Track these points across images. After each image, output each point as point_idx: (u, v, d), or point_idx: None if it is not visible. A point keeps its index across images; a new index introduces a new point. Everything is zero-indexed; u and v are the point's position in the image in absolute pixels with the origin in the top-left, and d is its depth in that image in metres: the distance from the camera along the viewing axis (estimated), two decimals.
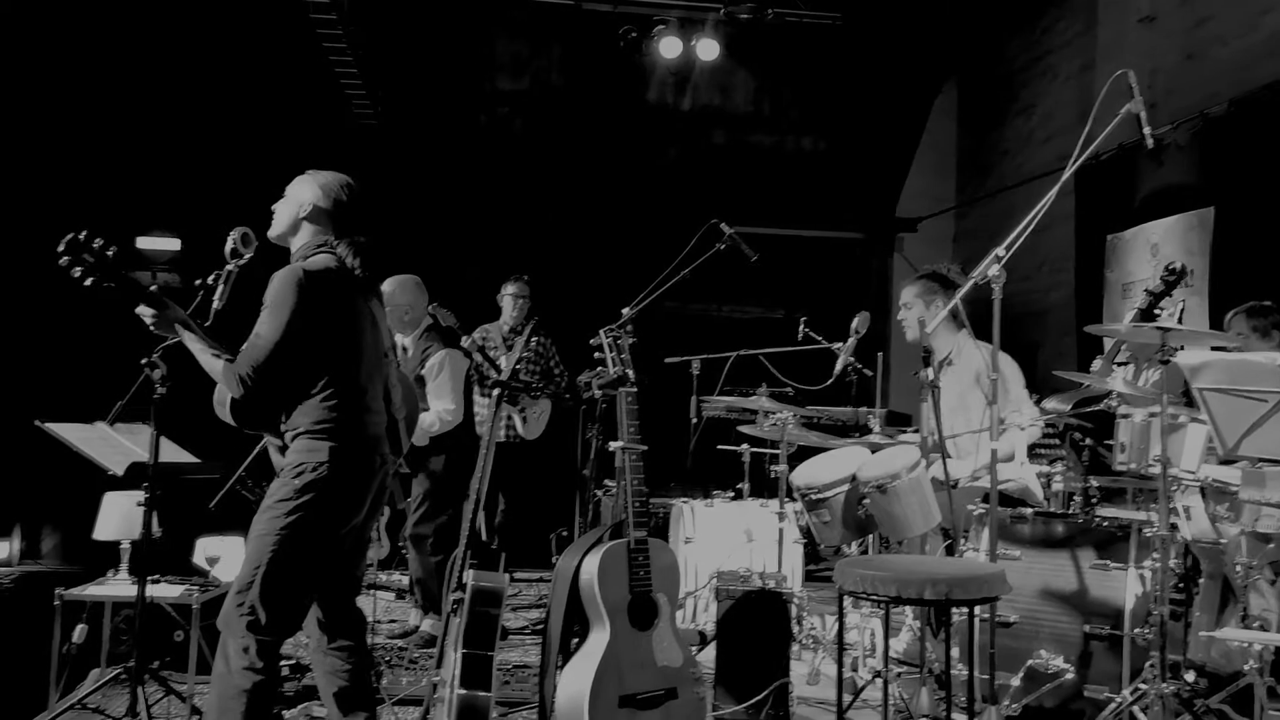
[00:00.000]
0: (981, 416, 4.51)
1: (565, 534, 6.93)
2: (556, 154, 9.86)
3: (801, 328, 5.57)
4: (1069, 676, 3.87)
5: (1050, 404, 4.80)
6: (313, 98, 8.81)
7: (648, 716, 3.19)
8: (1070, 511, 4.27)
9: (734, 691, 3.98)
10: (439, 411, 5.10)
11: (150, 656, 4.43)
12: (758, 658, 4.00)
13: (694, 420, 5.51)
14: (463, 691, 3.03)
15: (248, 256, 3.59)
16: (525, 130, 10.14)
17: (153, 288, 3.15)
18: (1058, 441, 5.55)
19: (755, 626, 4.02)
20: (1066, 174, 3.86)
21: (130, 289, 3.10)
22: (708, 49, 9.32)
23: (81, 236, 3.02)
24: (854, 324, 5.04)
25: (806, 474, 3.66)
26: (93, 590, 4.24)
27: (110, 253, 3.06)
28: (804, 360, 5.72)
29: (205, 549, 5.04)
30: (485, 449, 3.27)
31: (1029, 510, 4.19)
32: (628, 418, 3.28)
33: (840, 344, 5.17)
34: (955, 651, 3.98)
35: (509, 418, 6.67)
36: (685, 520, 5.22)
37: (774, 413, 4.70)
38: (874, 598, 2.94)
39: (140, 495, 4.53)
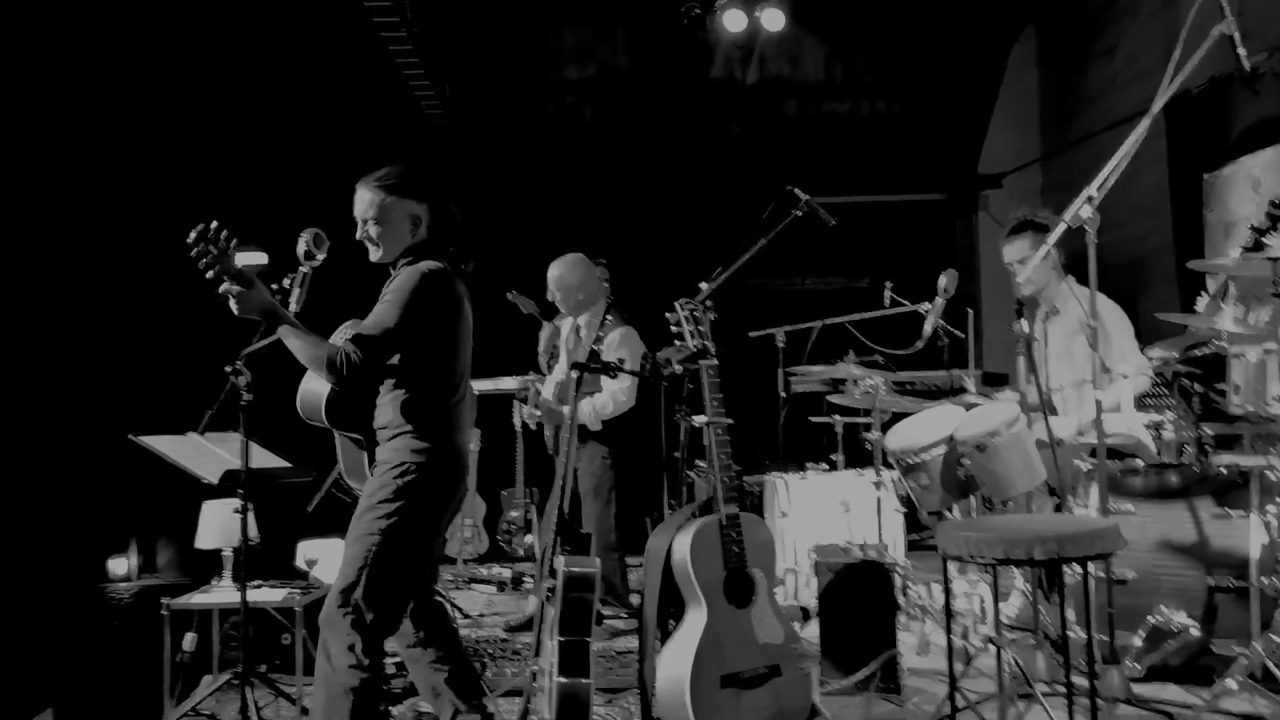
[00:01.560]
0: (1085, 366, 4.34)
1: (658, 517, 6.85)
2: (627, 139, 9.77)
3: (887, 292, 5.42)
4: (1194, 632, 3.70)
5: (1155, 351, 4.60)
6: (380, 98, 8.86)
7: (752, 695, 3.11)
8: (1184, 461, 4.07)
9: (841, 665, 3.89)
10: (613, 391, 4.99)
11: (258, 660, 4.50)
12: (863, 630, 3.90)
13: (782, 394, 5.39)
14: (563, 679, 2.98)
15: (321, 258, 3.58)
16: (594, 118, 10.09)
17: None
18: (1166, 390, 5.32)
19: (858, 599, 3.91)
20: (1158, 104, 3.67)
21: (234, 275, 3.06)
22: (773, 19, 9.14)
23: (212, 226, 3.01)
24: (941, 283, 4.86)
25: (901, 437, 3.54)
26: (198, 599, 4.31)
27: (233, 244, 3.06)
28: (892, 326, 5.56)
29: (305, 552, 5.09)
30: (568, 433, 3.22)
31: (1140, 463, 4.00)
32: (710, 391, 3.20)
33: (928, 305, 5.00)
34: (1070, 613, 3.82)
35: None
36: (780, 495, 5.12)
37: (864, 379, 4.56)
38: (979, 560, 2.81)
39: (236, 503, 4.61)
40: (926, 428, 3.50)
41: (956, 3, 9.31)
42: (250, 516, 4.84)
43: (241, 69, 7.29)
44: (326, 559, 5.06)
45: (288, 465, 4.41)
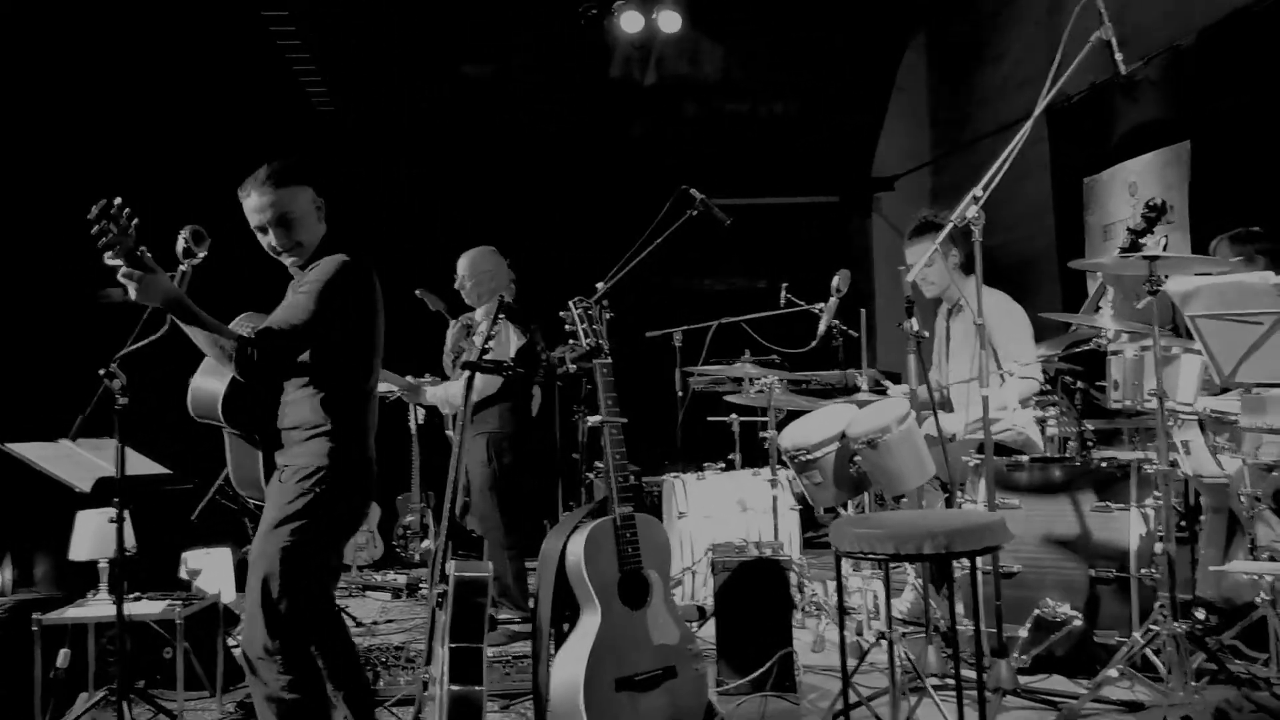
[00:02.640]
0: (979, 365, 4.43)
1: (555, 518, 6.83)
2: (524, 137, 9.70)
3: (783, 292, 5.45)
4: (1077, 623, 3.79)
5: (1040, 350, 4.72)
6: (270, 92, 8.65)
7: (648, 698, 3.08)
8: (1067, 456, 4.17)
9: (737, 665, 3.89)
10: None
11: (138, 675, 4.34)
12: (759, 629, 3.90)
13: (679, 394, 5.39)
14: (454, 687, 2.92)
15: (202, 255, 3.45)
16: (490, 116, 9.99)
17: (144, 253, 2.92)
18: (1049, 387, 5.47)
19: (754, 597, 3.92)
20: (1039, 108, 3.76)
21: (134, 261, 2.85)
22: (670, 20, 9.17)
23: (117, 202, 2.81)
24: (834, 283, 4.92)
25: (794, 435, 3.55)
26: (72, 613, 4.12)
27: (133, 225, 2.83)
28: (789, 325, 5.61)
29: (189, 562, 4.93)
30: (459, 435, 3.15)
31: (1025, 458, 4.09)
32: (604, 390, 3.16)
33: (822, 305, 5.05)
34: (960, 607, 3.89)
35: None
36: (678, 495, 5.12)
37: (758, 378, 4.58)
38: (871, 557, 2.83)
39: (112, 512, 4.41)
40: (818, 426, 3.52)
41: (850, 6, 9.45)
42: (128, 526, 4.66)
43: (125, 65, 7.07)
44: (210, 570, 4.89)
45: (166, 472, 4.25)
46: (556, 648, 3.13)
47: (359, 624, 5.47)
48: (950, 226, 3.72)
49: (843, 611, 3.16)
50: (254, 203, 3.10)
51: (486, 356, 3.17)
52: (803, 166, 10.16)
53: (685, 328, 5.49)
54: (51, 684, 4.07)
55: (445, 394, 5.04)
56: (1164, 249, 3.59)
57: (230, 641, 4.34)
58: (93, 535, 4.26)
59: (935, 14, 9.99)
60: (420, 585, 6.24)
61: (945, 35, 10.00)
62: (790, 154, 10.13)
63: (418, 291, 6.00)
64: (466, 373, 3.21)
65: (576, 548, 3.06)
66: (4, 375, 5.14)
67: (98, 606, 4.18)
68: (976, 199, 3.66)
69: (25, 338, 5.29)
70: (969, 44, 9.38)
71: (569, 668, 3.01)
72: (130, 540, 4.76)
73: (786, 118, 10.24)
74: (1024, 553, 3.92)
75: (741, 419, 5.59)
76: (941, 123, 10.10)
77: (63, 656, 4.13)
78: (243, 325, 3.11)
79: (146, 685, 4.21)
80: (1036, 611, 3.83)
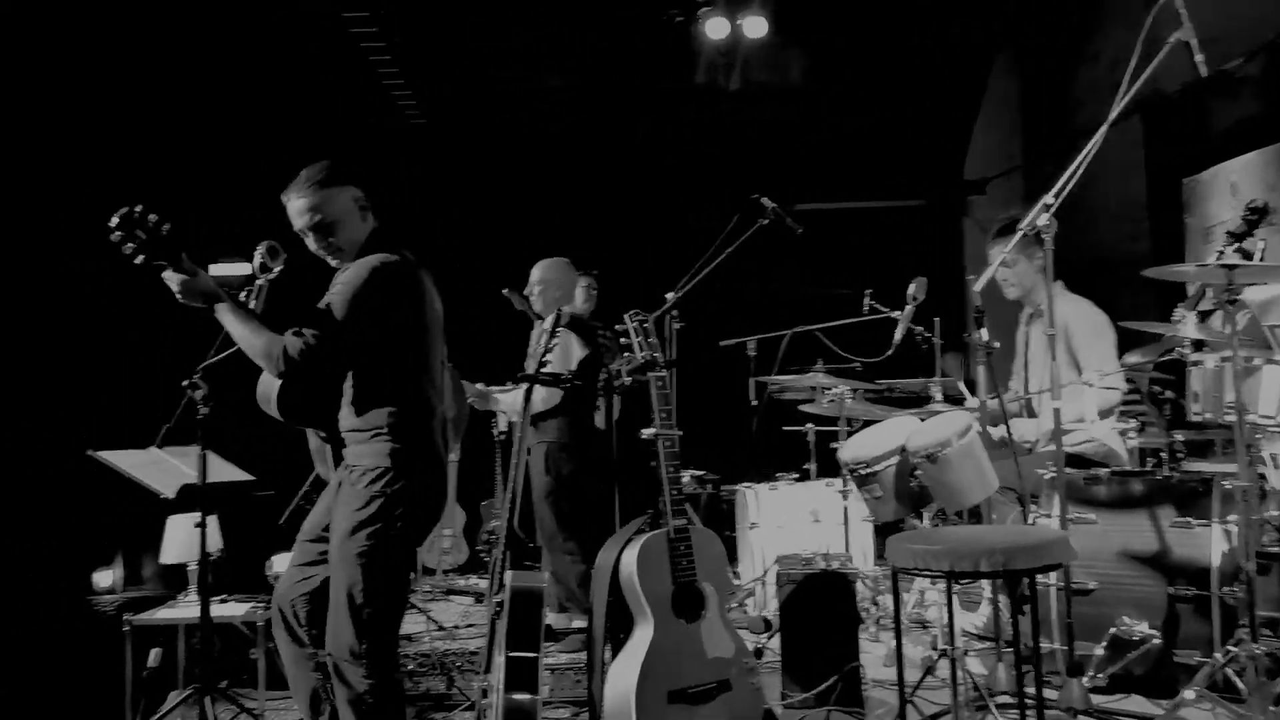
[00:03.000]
0: (1065, 371, 4.33)
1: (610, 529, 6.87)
2: (608, 146, 9.77)
3: (867, 299, 5.38)
4: (1155, 642, 3.67)
5: (1131, 358, 4.58)
6: (358, 103, 8.87)
7: (702, 711, 3.08)
8: (1148, 469, 4.04)
9: (801, 678, 3.85)
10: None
11: (223, 675, 4.49)
12: (825, 642, 3.86)
13: (754, 403, 5.37)
14: (508, 696, 2.96)
15: (277, 270, 3.56)
16: (573, 125, 10.08)
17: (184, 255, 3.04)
18: (1139, 396, 5.30)
19: (820, 610, 3.88)
20: (1113, 114, 3.65)
21: (175, 262, 3.01)
22: (755, 26, 9.13)
23: (137, 210, 2.94)
24: (910, 290, 4.85)
25: (854, 448, 3.51)
26: (162, 613, 4.29)
27: (165, 229, 2.98)
28: (872, 331, 5.53)
29: (277, 565, 5.07)
30: (517, 445, 3.19)
31: (1104, 470, 3.98)
32: (659, 403, 3.17)
33: (899, 312, 4.98)
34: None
35: None
36: (750, 505, 5.09)
37: (829, 388, 4.54)
38: (927, 574, 2.79)
39: (198, 516, 4.58)
40: (879, 439, 3.48)
41: (941, 8, 9.29)
42: (215, 530, 4.84)
43: (215, 81, 7.31)
44: None
45: (250, 479, 4.38)
46: (611, 658, 3.15)
47: (440, 628, 5.57)
48: (1020, 235, 3.63)
49: (899, 626, 3.12)
50: (295, 206, 3.19)
51: (544, 369, 3.21)
52: (892, 170, 10.02)
53: (759, 336, 5.46)
54: (144, 682, 4.24)
55: (513, 401, 5.11)
56: (1263, 252, 3.47)
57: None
58: (181, 539, 4.43)
59: (1029, 15, 9.77)
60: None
61: (1038, 36, 9.76)
62: (880, 158, 10.01)
63: (505, 291, 6.09)
64: (525, 384, 3.24)
65: (630, 560, 3.07)
66: (96, 386, 5.37)
67: (186, 608, 4.34)
68: (1048, 206, 3.57)
69: (116, 349, 5.51)
70: (1062, 45, 9.14)
71: (622, 679, 3.03)
72: (217, 544, 4.95)
73: (876, 122, 10.11)
74: (1100, 569, 3.81)
75: (818, 429, 5.53)
76: (1034, 124, 9.86)
77: (154, 656, 4.29)
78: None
79: (231, 685, 4.35)
80: (1113, 630, 3.72)
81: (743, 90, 10.05)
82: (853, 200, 9.96)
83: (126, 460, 3.97)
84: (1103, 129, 3.62)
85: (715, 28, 9.12)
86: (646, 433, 3.14)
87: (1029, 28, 9.88)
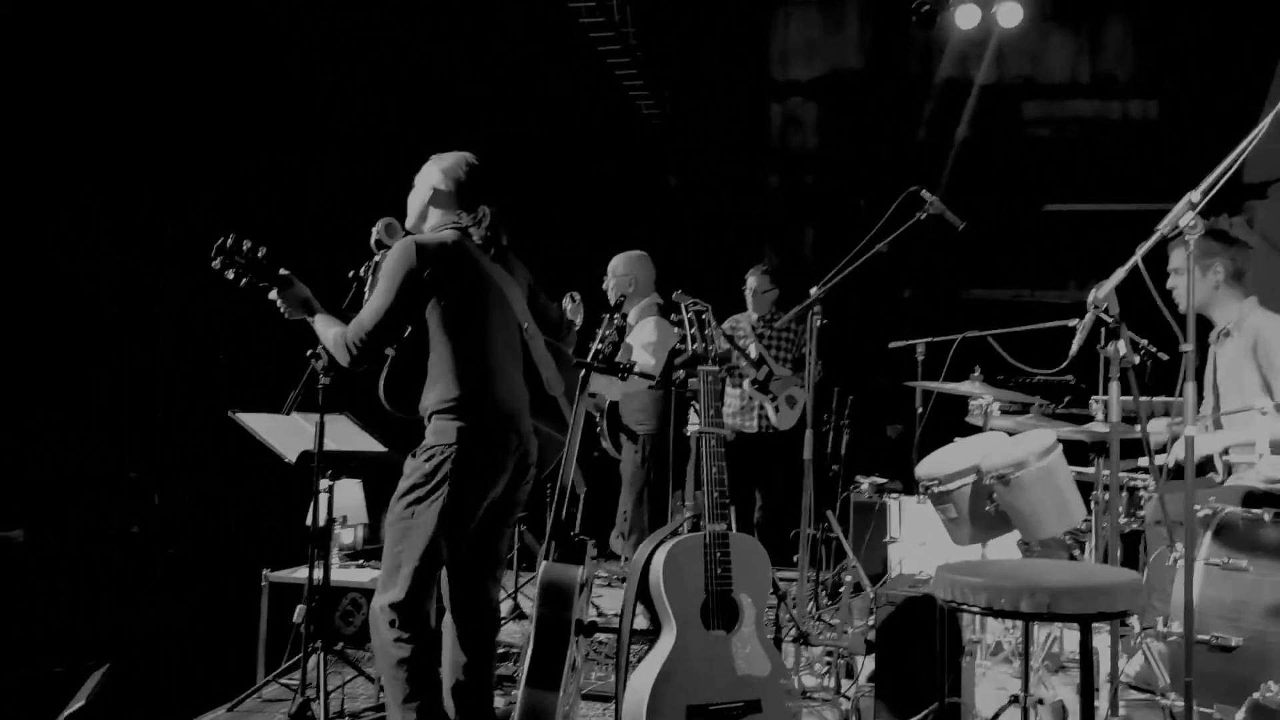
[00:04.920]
0: (1254, 394, 3.81)
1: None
2: (855, 139, 9.48)
3: (1092, 308, 4.90)
4: None
5: None
6: (597, 102, 9.05)
7: None
8: None
9: (896, 707, 3.57)
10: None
11: (354, 639, 4.70)
12: (925, 670, 3.55)
13: (919, 410, 5.01)
14: (528, 690, 2.90)
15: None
16: (820, 117, 9.86)
17: (282, 271, 3.30)
18: None
19: (919, 635, 3.56)
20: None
21: (274, 280, 3.27)
22: (1009, 14, 8.56)
23: (229, 241, 3.22)
24: (1092, 297, 4.37)
25: (931, 464, 3.19)
26: (301, 573, 4.52)
27: (261, 254, 3.25)
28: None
29: None
30: (570, 435, 3.12)
31: (1267, 512, 3.41)
32: (707, 399, 3.00)
33: (1077, 321, 4.49)
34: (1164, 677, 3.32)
35: (761, 406, 6.48)
36: (892, 517, 4.77)
37: (979, 397, 4.16)
38: (966, 609, 2.49)
39: (354, 483, 4.80)
40: (956, 455, 3.13)
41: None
42: (360, 496, 5.05)
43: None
44: None
45: (383, 450, 4.52)
46: (638, 662, 3.02)
47: (599, 614, 5.57)
48: (1157, 237, 3.17)
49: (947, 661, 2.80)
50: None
51: (599, 358, 3.11)
52: (1161, 170, 9.12)
53: (929, 340, 5.09)
54: (298, 637, 4.48)
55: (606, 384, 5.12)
56: None
57: None
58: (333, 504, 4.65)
59: None
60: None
61: None
62: (1147, 157, 9.15)
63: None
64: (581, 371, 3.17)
65: (659, 562, 2.93)
66: (237, 354, 5.77)
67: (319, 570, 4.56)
68: (1193, 204, 3.10)
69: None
70: None
71: (638, 686, 2.89)
72: (361, 513, 5.17)
73: (1144, 119, 9.26)
74: (1247, 624, 3.27)
75: None
76: None
77: (299, 612, 4.53)
78: None
79: (351, 647, 4.52)
80: (1255, 695, 3.19)
81: (995, 83, 9.48)
82: (1116, 202, 9.15)
83: (262, 424, 4.19)
84: (1266, 120, 3.10)
85: (965, 16, 8.64)
86: (691, 428, 2.98)
87: None
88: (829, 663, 4.21)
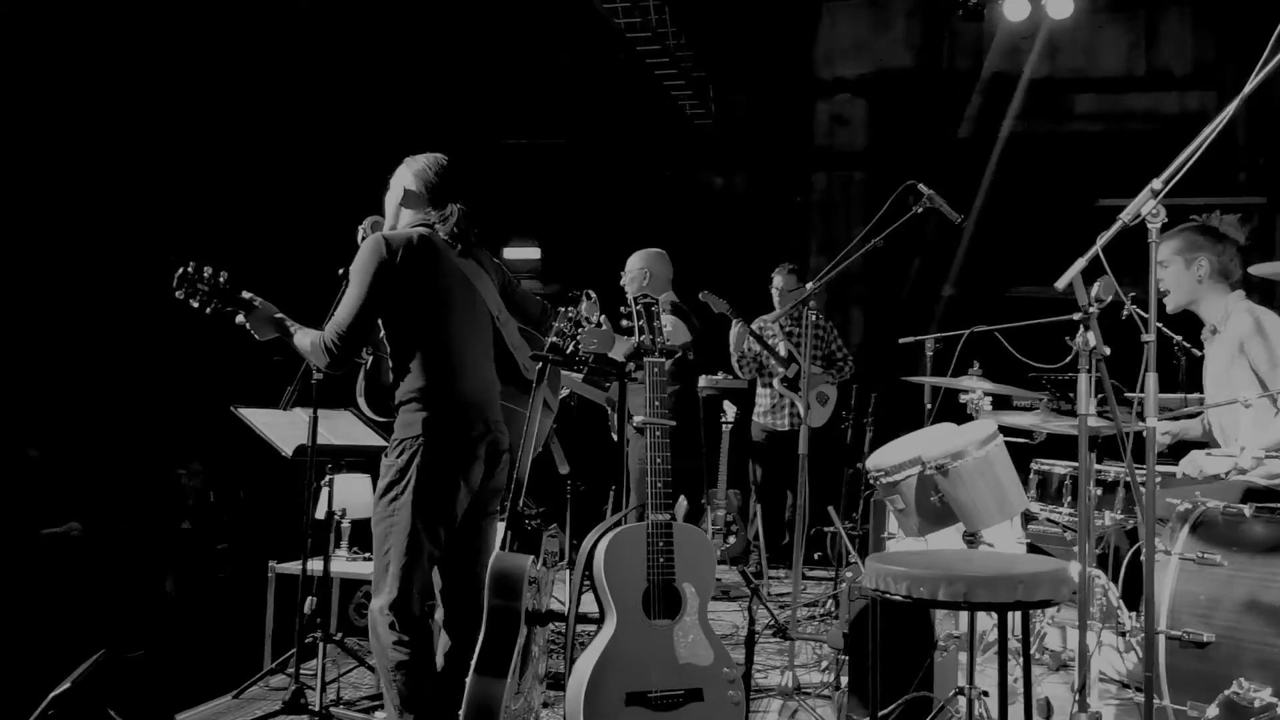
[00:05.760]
0: (1245, 392, 3.71)
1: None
2: (905, 135, 9.38)
3: (1128, 304, 4.81)
4: (1279, 712, 3.01)
5: None
6: (643, 105, 9.11)
7: (663, 718, 2.91)
8: None
9: (867, 702, 3.53)
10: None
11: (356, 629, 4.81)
12: (898, 666, 3.52)
13: (928, 407, 4.95)
14: (475, 677, 2.96)
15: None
16: (869, 115, 9.79)
17: (244, 294, 3.37)
18: None
19: (892, 631, 3.53)
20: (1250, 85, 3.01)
21: (238, 305, 3.33)
22: (1060, 7, 8.39)
23: (189, 269, 3.29)
24: (1094, 291, 4.27)
25: (880, 455, 3.16)
26: (313, 564, 4.63)
27: (223, 279, 3.32)
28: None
29: None
30: (527, 428, 3.17)
31: (1248, 507, 3.31)
32: (652, 391, 3.02)
33: (1079, 314, 4.40)
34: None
35: (792, 404, 6.48)
36: (891, 515, 4.70)
37: (967, 391, 4.11)
38: (888, 596, 2.47)
39: (361, 478, 4.90)
40: (903, 446, 3.10)
41: None
42: (367, 491, 5.16)
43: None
44: None
45: (384, 445, 4.62)
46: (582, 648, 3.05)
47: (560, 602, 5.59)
48: (1119, 226, 3.11)
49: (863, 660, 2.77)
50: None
51: (554, 353, 3.16)
52: (1224, 163, 8.86)
53: (938, 335, 5.03)
54: (303, 628, 4.60)
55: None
56: None
57: None
58: (334, 496, 4.77)
59: None
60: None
61: None
62: (1207, 150, 8.88)
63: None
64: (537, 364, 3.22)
65: (600, 551, 2.96)
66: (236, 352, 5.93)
67: (334, 562, 4.68)
68: (1155, 191, 3.04)
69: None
70: None
71: (580, 672, 2.92)
72: (367, 507, 5.27)
73: (1204, 111, 8.99)
74: (1220, 620, 3.19)
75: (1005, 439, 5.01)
76: None
77: (309, 603, 4.65)
78: None
79: (343, 638, 4.61)
80: (1227, 692, 3.10)
81: (1046, 77, 9.30)
82: (1172, 196, 8.91)
83: (261, 419, 4.32)
84: (1232, 105, 3.02)
85: (1014, 9, 8.50)
86: (637, 420, 3.00)
87: None
88: (830, 660, 4.19)
